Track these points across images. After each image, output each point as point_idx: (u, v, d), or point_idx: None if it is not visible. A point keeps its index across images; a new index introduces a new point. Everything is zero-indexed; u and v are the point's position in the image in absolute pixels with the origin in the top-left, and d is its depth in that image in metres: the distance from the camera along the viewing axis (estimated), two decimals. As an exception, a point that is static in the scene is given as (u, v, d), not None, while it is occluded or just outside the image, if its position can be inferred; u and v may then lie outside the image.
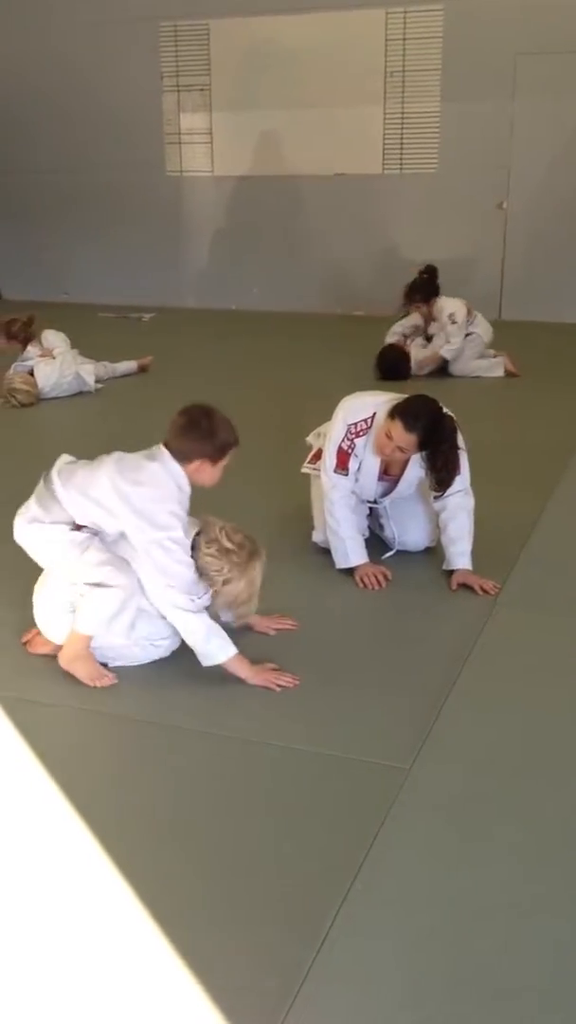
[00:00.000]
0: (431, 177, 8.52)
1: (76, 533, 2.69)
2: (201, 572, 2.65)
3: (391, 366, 6.20)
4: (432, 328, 6.41)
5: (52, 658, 2.82)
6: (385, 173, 8.69)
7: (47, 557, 2.76)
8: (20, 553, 3.55)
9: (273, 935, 1.84)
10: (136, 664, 2.80)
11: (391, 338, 6.52)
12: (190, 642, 2.67)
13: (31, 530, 2.74)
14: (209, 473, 2.71)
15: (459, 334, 6.27)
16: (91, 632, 2.70)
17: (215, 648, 2.65)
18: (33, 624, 2.94)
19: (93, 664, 2.74)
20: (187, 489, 2.69)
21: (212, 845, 2.10)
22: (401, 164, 8.63)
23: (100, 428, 5.32)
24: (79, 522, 2.69)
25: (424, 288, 6.32)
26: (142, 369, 6.57)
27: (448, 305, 6.29)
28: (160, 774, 2.37)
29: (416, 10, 8.16)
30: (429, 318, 6.41)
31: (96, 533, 2.70)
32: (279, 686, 2.65)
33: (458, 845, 2.10)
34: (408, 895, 1.95)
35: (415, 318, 6.51)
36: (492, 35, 7.98)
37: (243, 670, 2.67)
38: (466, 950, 1.81)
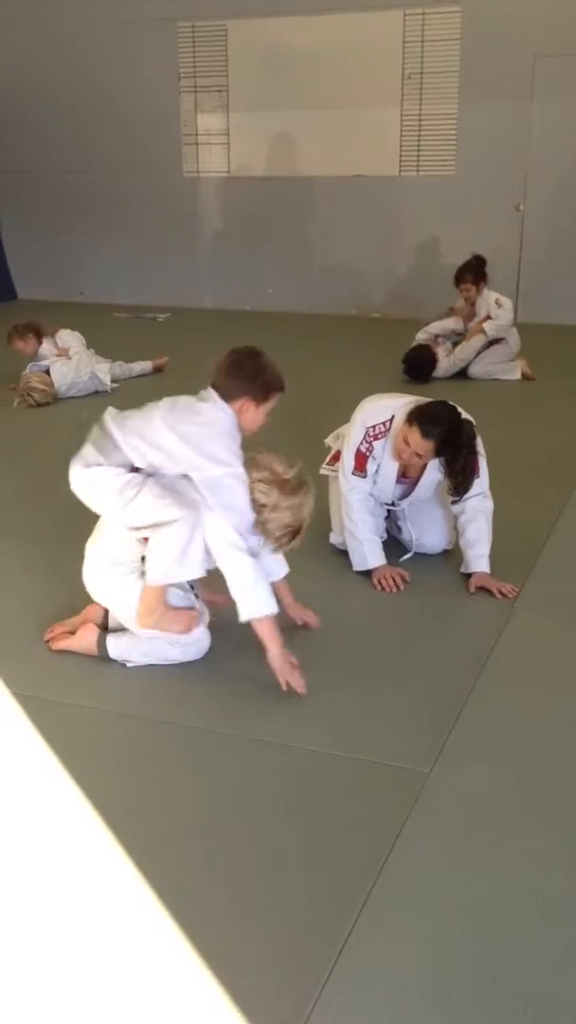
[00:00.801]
0: (448, 179, 8.51)
1: (133, 474, 2.68)
2: (253, 501, 2.64)
3: (414, 364, 6.24)
4: (473, 321, 6.42)
5: (72, 658, 2.83)
6: (402, 175, 8.68)
7: (104, 501, 2.72)
8: (38, 555, 3.57)
9: (294, 937, 1.84)
10: (166, 664, 2.80)
11: (422, 335, 6.52)
12: (235, 588, 2.62)
13: (89, 474, 2.70)
14: (253, 414, 2.71)
15: (506, 316, 6.30)
16: (164, 579, 2.67)
17: (258, 599, 2.61)
18: (54, 621, 2.94)
19: (173, 612, 2.73)
20: (236, 425, 2.69)
21: (233, 847, 2.10)
22: (418, 166, 8.62)
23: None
24: (137, 465, 2.68)
25: (475, 269, 6.37)
26: (157, 369, 6.59)
27: (494, 294, 6.37)
28: (180, 775, 2.37)
29: (434, 12, 8.15)
30: (472, 302, 6.41)
31: (152, 474, 2.69)
32: (288, 685, 2.62)
33: (479, 849, 2.09)
34: (429, 899, 1.95)
35: (452, 322, 6.50)
36: (511, 37, 7.96)
37: (273, 641, 2.62)
38: (487, 955, 1.81)
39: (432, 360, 6.32)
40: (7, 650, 2.90)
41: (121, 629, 2.85)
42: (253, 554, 2.64)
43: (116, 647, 2.82)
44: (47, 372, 5.95)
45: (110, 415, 2.76)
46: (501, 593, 3.25)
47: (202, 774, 2.37)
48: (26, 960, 1.80)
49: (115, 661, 2.82)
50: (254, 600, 2.62)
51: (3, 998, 1.72)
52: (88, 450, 2.73)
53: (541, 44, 7.94)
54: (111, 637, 2.83)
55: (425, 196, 8.61)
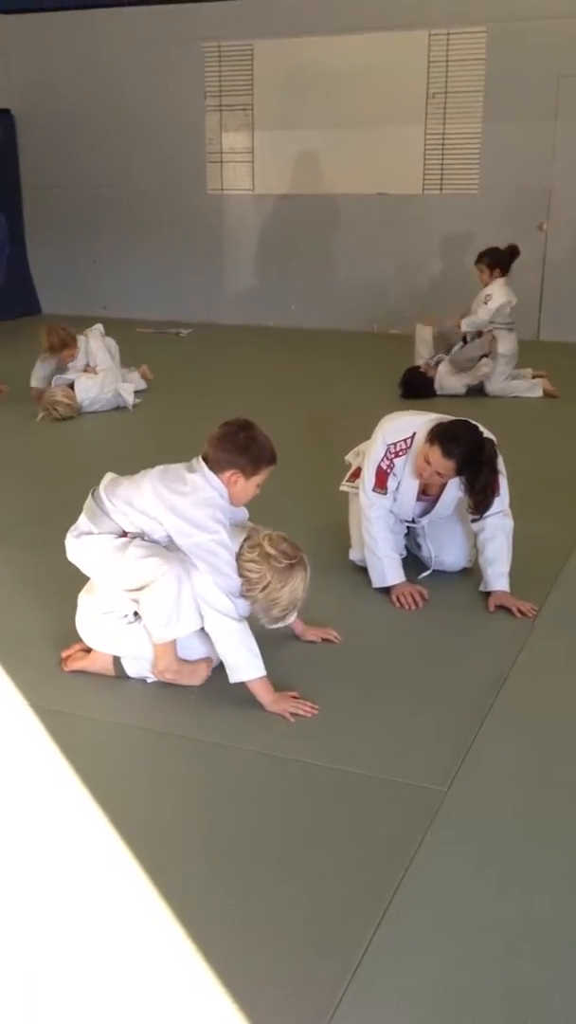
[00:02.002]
0: (471, 197, 8.53)
1: (122, 539, 2.73)
2: (241, 575, 2.66)
3: (411, 387, 6.30)
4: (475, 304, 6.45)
5: (88, 673, 2.84)
6: (425, 193, 8.71)
7: (95, 565, 2.79)
8: (60, 568, 3.59)
9: (309, 955, 1.84)
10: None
11: (420, 358, 6.55)
12: (220, 651, 2.67)
13: (80, 543, 2.78)
14: (242, 487, 2.73)
15: (485, 315, 6.26)
16: (167, 635, 2.69)
17: (244, 662, 2.64)
18: (74, 639, 2.96)
19: (188, 667, 2.76)
20: (227, 498, 2.72)
21: (248, 864, 2.10)
22: (441, 184, 8.64)
23: (136, 441, 5.37)
24: (127, 530, 2.74)
25: (496, 256, 6.35)
26: (144, 377, 6.52)
27: (495, 290, 6.30)
28: (196, 790, 2.37)
29: (459, 32, 8.19)
30: (482, 284, 6.41)
31: (140, 535, 2.73)
32: (294, 715, 2.63)
33: (496, 869, 2.08)
34: (445, 918, 1.94)
35: (450, 320, 6.50)
36: (535, 57, 8.00)
37: (265, 694, 2.66)
38: (504, 976, 1.80)
39: (426, 379, 6.34)
40: (27, 663, 2.92)
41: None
42: (244, 614, 2.69)
43: (133, 665, 2.83)
44: (71, 386, 6.00)
45: (104, 483, 2.83)
46: (521, 612, 3.24)
47: (219, 789, 2.37)
48: (39, 974, 1.80)
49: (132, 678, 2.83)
50: (242, 665, 2.65)
51: (16, 1012, 1.73)
52: (81, 520, 2.81)
53: (565, 65, 7.96)
54: (126, 659, 2.85)
55: (448, 214, 8.63)
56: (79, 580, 3.32)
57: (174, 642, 2.72)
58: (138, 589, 2.69)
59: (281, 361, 7.77)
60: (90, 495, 2.83)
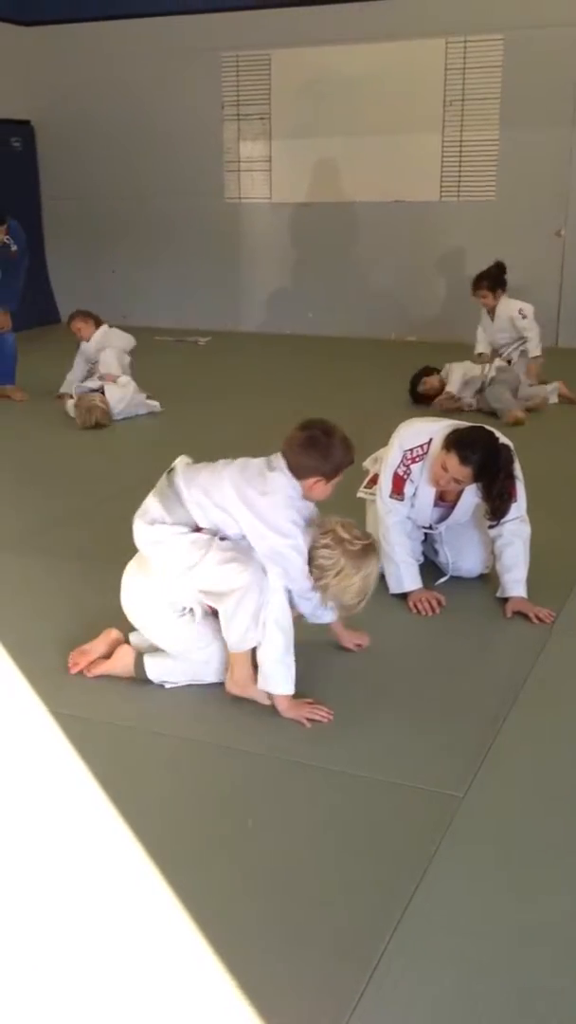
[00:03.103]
0: (489, 204, 8.52)
1: (198, 534, 2.69)
2: (313, 562, 2.65)
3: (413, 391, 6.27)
4: (490, 332, 6.36)
5: (110, 678, 2.86)
6: (443, 200, 8.71)
7: (167, 560, 2.72)
8: (77, 576, 3.61)
9: (325, 960, 1.84)
10: (200, 683, 2.82)
11: (447, 396, 6.28)
12: (261, 655, 2.66)
13: (153, 532, 2.73)
14: (322, 489, 2.73)
15: (533, 328, 6.23)
16: (244, 644, 2.67)
17: (278, 675, 2.64)
18: (82, 642, 2.97)
19: (251, 687, 2.74)
20: (301, 497, 2.71)
21: (264, 868, 2.10)
22: (459, 191, 8.65)
23: (153, 449, 5.38)
24: (200, 524, 2.70)
25: (491, 277, 6.31)
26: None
27: (515, 303, 6.27)
28: (215, 796, 2.38)
29: (476, 40, 8.20)
30: (490, 309, 6.35)
31: (215, 534, 2.71)
32: (310, 721, 2.63)
33: (512, 875, 2.07)
34: (461, 924, 1.93)
35: (477, 369, 6.27)
36: (552, 64, 7.99)
37: (283, 702, 2.67)
38: (521, 983, 1.79)
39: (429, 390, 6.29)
40: (47, 669, 2.93)
41: (157, 649, 2.87)
42: (312, 612, 2.72)
43: (155, 669, 2.84)
44: (101, 392, 6.04)
45: (181, 465, 2.78)
46: (538, 618, 3.24)
47: (235, 794, 2.38)
48: (57, 979, 1.81)
49: (152, 682, 2.84)
50: (275, 677, 2.65)
51: (36, 1017, 1.74)
52: (152, 504, 2.75)
53: (583, 71, 7.96)
54: (149, 658, 2.86)
55: (466, 221, 8.63)
56: (98, 587, 3.34)
57: (249, 652, 2.70)
58: (214, 592, 2.67)
59: (299, 368, 7.79)
60: (164, 476, 2.77)
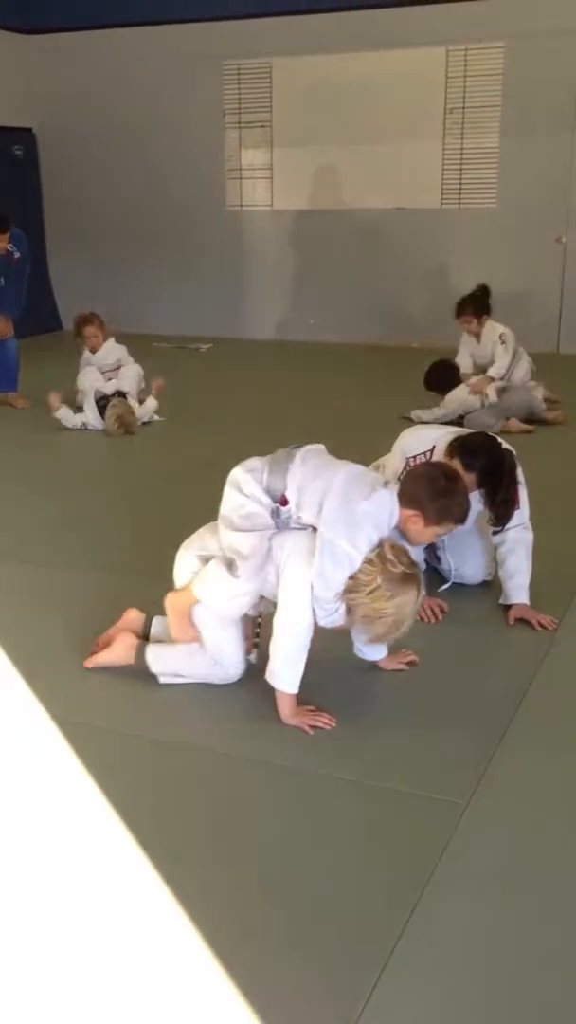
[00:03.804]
0: (490, 211, 8.55)
1: (276, 507, 2.67)
2: (352, 579, 2.56)
3: (439, 378, 6.14)
4: (475, 355, 6.34)
5: (113, 684, 2.86)
6: (444, 207, 8.74)
7: (231, 505, 2.71)
8: (79, 583, 3.62)
9: (328, 969, 1.83)
10: (194, 681, 2.83)
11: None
12: (273, 647, 2.64)
13: (243, 478, 2.70)
14: (418, 530, 2.69)
15: (505, 356, 6.16)
16: (201, 597, 2.72)
17: (286, 673, 2.63)
18: (85, 648, 2.98)
19: (186, 623, 2.78)
20: (395, 527, 2.66)
21: (268, 876, 2.10)
22: (460, 198, 8.67)
23: (155, 455, 5.40)
24: (288, 495, 2.66)
25: (476, 302, 6.22)
26: (158, 391, 6.42)
27: (498, 327, 6.21)
28: (217, 802, 2.38)
29: (477, 48, 8.23)
30: (475, 334, 6.29)
31: (285, 525, 2.68)
32: (312, 728, 2.63)
33: (516, 883, 2.07)
34: (465, 933, 1.93)
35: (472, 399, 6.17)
36: (553, 72, 8.02)
37: (286, 707, 2.67)
38: (525, 992, 1.79)
39: (453, 368, 6.17)
40: (49, 676, 2.93)
41: (163, 640, 2.88)
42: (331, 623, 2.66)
43: (157, 659, 2.84)
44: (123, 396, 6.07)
45: (311, 446, 2.77)
46: (541, 625, 3.24)
47: (237, 802, 2.37)
48: (56, 985, 1.81)
49: (154, 687, 2.84)
50: (283, 674, 2.64)
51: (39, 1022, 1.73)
52: (258, 461, 2.73)
53: (584, 79, 7.99)
54: (152, 648, 2.86)
55: (466, 228, 8.65)
56: (102, 594, 3.35)
57: (197, 601, 2.74)
58: (225, 550, 2.68)
59: (300, 375, 7.80)
60: (290, 446, 2.75)
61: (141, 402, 6.17)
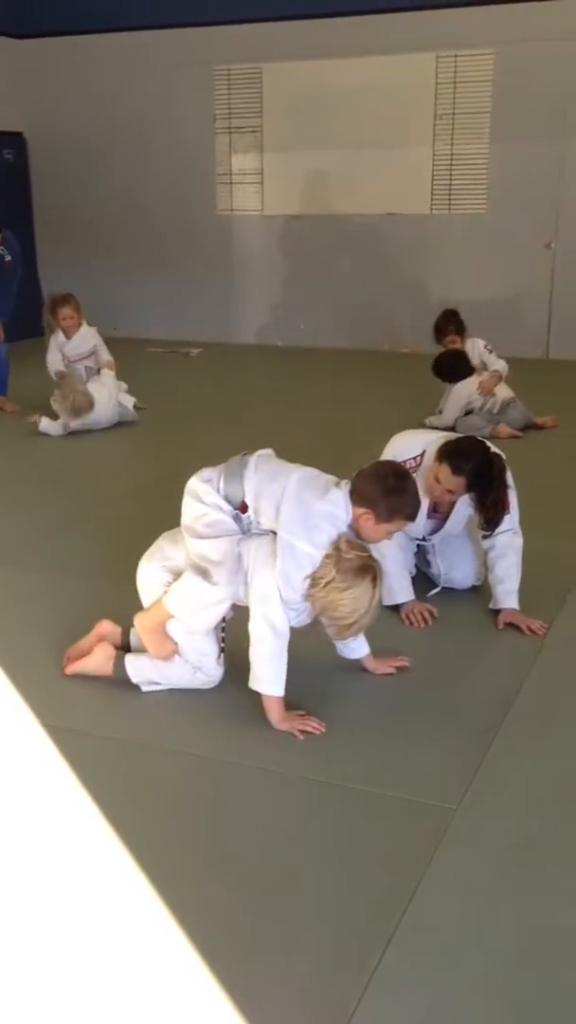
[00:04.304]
0: (480, 217, 8.57)
1: (236, 514, 2.70)
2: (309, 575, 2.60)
3: (449, 366, 6.05)
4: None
5: (100, 689, 2.85)
6: (433, 213, 8.76)
7: (193, 515, 2.74)
8: (67, 588, 3.61)
9: (320, 973, 1.83)
10: (178, 687, 2.83)
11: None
12: (252, 654, 2.66)
13: (202, 488, 2.74)
14: (371, 528, 2.70)
15: (500, 360, 6.11)
16: (176, 612, 2.73)
17: (268, 676, 2.65)
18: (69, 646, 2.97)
19: (162, 639, 2.78)
20: (350, 527, 2.68)
21: (258, 881, 2.10)
22: (450, 204, 8.69)
23: (146, 461, 5.39)
24: (247, 500, 2.69)
25: (455, 320, 6.20)
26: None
27: (479, 340, 6.17)
28: (205, 808, 2.38)
29: (467, 54, 8.26)
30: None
31: (247, 531, 2.72)
32: (302, 733, 2.63)
33: (506, 886, 2.07)
34: (456, 936, 1.93)
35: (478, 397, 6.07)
36: (543, 78, 8.05)
37: (275, 712, 2.67)
38: (514, 994, 1.79)
39: (463, 359, 6.09)
40: (36, 681, 2.92)
41: (142, 650, 2.88)
42: (296, 623, 2.67)
43: (135, 669, 2.84)
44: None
45: (262, 451, 2.80)
46: (530, 629, 3.24)
47: (227, 807, 2.37)
48: (48, 994, 1.80)
49: (139, 691, 2.84)
50: (265, 678, 2.65)
51: (28, 1027, 1.73)
52: (212, 470, 2.76)
53: (573, 85, 8.01)
54: (131, 658, 2.86)
55: (456, 233, 8.67)
56: (88, 598, 3.34)
57: (170, 616, 2.75)
58: (194, 561, 2.69)
59: (291, 380, 7.81)
60: (240, 456, 2.78)
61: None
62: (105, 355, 6.34)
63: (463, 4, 8.12)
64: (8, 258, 6.42)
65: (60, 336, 6.35)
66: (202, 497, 2.72)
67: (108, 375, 6.20)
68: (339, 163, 8.87)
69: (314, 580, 2.59)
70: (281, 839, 2.24)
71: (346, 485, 2.71)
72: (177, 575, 2.78)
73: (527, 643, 3.19)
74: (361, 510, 2.67)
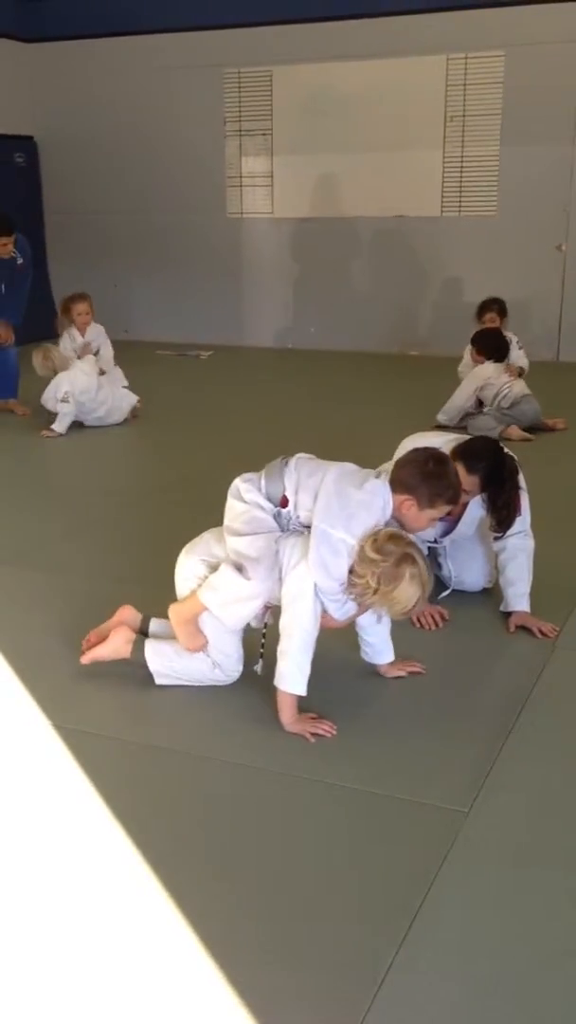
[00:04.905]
0: (490, 219, 8.56)
1: (277, 510, 2.70)
2: (352, 582, 2.58)
3: (488, 341, 6.07)
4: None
5: (112, 691, 2.85)
6: (444, 215, 8.75)
7: (233, 513, 2.74)
8: (77, 589, 3.61)
9: (329, 978, 1.82)
10: (192, 684, 2.83)
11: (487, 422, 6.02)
12: (281, 653, 2.64)
13: (243, 487, 2.75)
14: (413, 515, 2.70)
15: (525, 358, 6.23)
16: (210, 605, 2.72)
17: (291, 674, 2.63)
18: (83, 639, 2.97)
19: (195, 631, 2.78)
20: (390, 516, 2.68)
21: (269, 884, 2.09)
22: (460, 206, 8.68)
23: (157, 462, 5.39)
24: (287, 495, 2.69)
25: (500, 304, 6.35)
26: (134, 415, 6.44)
27: (512, 335, 6.26)
28: (218, 811, 2.37)
29: (477, 56, 8.25)
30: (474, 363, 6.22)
31: (286, 528, 2.72)
32: (314, 735, 2.62)
33: (518, 890, 2.06)
34: (467, 940, 1.92)
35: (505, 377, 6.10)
36: (554, 80, 8.03)
37: (288, 713, 2.66)
38: (525, 999, 1.77)
39: (504, 341, 6.12)
40: (48, 683, 2.92)
41: (163, 636, 2.88)
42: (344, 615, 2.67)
43: (155, 655, 2.84)
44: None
45: (301, 454, 2.81)
46: (541, 632, 3.23)
47: (239, 810, 2.36)
48: (59, 996, 1.80)
49: (149, 692, 2.83)
50: (288, 675, 2.64)
51: (38, 1030, 1.72)
52: (253, 473, 2.78)
53: (584, 87, 8.00)
54: (151, 643, 2.86)
55: (467, 236, 8.66)
56: (98, 600, 3.34)
57: (204, 608, 2.74)
58: (232, 556, 2.69)
59: (301, 382, 7.80)
60: (280, 458, 2.79)
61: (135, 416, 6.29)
62: (110, 351, 6.53)
63: (473, 6, 8.12)
64: (20, 261, 6.44)
65: (75, 333, 6.51)
66: (243, 495, 2.74)
67: (117, 371, 6.35)
68: (349, 166, 8.87)
69: (364, 591, 2.56)
70: (291, 841, 2.23)
71: (385, 476, 2.72)
72: (215, 570, 2.78)
73: (538, 646, 3.17)
74: (403, 497, 2.67)
